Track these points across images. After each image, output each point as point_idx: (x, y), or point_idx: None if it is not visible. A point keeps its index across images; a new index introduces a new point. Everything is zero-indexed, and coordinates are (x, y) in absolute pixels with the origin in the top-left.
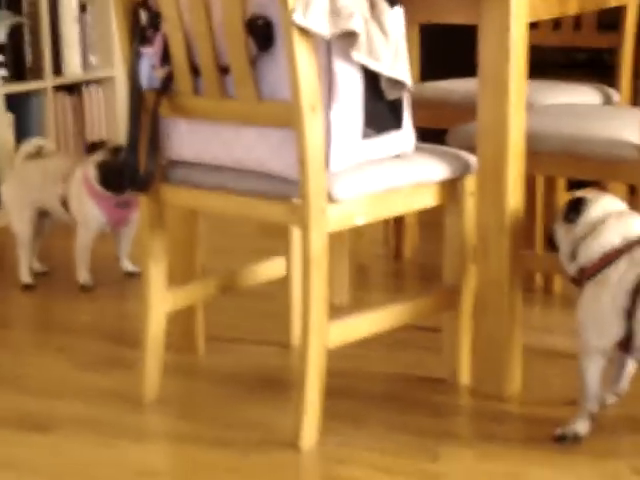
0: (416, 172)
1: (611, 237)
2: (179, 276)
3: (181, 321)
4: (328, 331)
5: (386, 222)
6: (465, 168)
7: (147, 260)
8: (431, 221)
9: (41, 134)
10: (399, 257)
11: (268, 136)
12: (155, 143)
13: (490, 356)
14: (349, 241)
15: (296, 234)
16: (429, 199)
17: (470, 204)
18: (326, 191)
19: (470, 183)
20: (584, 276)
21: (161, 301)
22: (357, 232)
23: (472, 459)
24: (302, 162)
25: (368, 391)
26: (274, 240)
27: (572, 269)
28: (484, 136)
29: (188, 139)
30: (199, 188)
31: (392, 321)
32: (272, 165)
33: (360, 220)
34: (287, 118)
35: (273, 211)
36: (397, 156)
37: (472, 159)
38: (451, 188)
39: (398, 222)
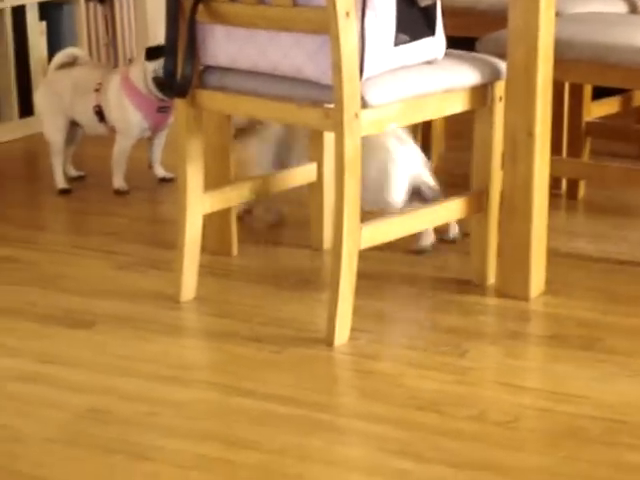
0: (447, 78)
1: None
2: (213, 181)
3: (215, 224)
4: (360, 233)
5: (413, 130)
6: (495, 74)
7: (184, 163)
8: (457, 131)
9: (73, 43)
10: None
11: (303, 42)
12: (192, 49)
13: (516, 258)
14: None
15: (328, 140)
16: (459, 104)
17: (499, 109)
18: (360, 96)
19: (500, 89)
20: None
21: (198, 203)
22: None
23: (498, 355)
24: (336, 67)
25: (397, 292)
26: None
27: None
28: (514, 42)
29: (224, 45)
30: (234, 93)
31: (422, 224)
32: (307, 70)
33: (393, 125)
34: (322, 24)
35: (307, 116)
36: (428, 62)
37: (502, 65)
38: (481, 94)
39: (425, 131)
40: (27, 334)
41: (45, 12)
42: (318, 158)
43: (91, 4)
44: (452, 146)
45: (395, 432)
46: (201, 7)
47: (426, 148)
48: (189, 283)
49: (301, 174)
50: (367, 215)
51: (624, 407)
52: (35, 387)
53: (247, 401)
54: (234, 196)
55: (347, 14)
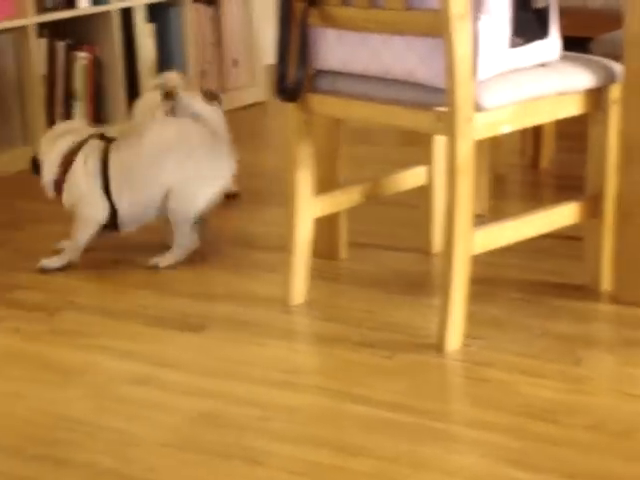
0: (562, 81)
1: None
2: (322, 184)
3: (324, 228)
4: (473, 238)
5: (523, 132)
6: (610, 77)
7: (294, 167)
8: (567, 131)
9: (180, 44)
10: (536, 167)
11: (416, 45)
12: (304, 52)
13: (632, 263)
14: (487, 150)
15: (438, 143)
16: (573, 108)
17: (614, 113)
18: (473, 99)
19: (615, 92)
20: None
21: (308, 207)
22: (495, 142)
23: (614, 363)
24: (450, 70)
25: (509, 297)
26: (413, 150)
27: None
28: (631, 44)
29: (336, 49)
30: (346, 97)
31: (535, 229)
32: (420, 73)
33: (506, 128)
34: (436, 27)
35: (419, 119)
36: (543, 64)
37: (617, 68)
38: (596, 97)
39: (536, 132)
40: (138, 337)
41: (153, 14)
42: (429, 161)
43: (199, 5)
44: (563, 147)
45: (510, 441)
46: (313, 11)
47: (536, 149)
48: (299, 287)
49: (411, 177)
50: (479, 219)
51: None
52: (147, 390)
53: (359, 407)
54: (344, 200)
55: (461, 16)
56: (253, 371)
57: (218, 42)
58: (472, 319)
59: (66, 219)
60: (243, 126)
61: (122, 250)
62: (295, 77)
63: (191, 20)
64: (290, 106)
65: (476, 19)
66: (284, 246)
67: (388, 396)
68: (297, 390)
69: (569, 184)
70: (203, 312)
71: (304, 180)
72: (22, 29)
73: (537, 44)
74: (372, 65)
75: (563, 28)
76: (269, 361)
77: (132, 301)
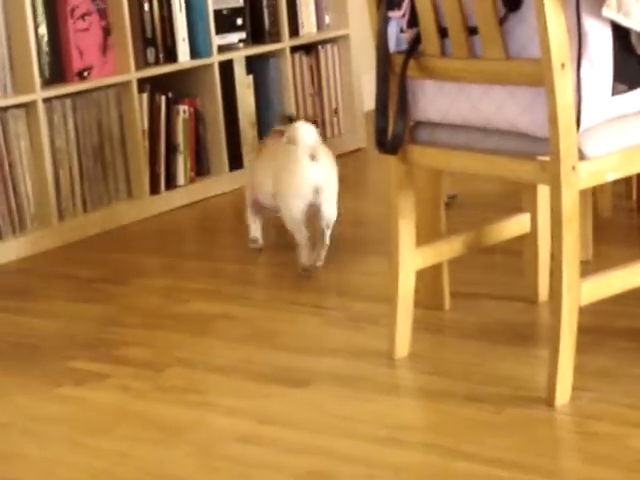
0: None
1: None
2: (425, 234)
3: (427, 278)
4: (580, 288)
5: (627, 178)
6: None
7: (396, 220)
8: None
9: (280, 95)
10: None
11: (517, 94)
12: (403, 105)
13: None
14: (591, 195)
15: (542, 191)
16: None
17: None
18: (577, 148)
19: None
20: None
21: (410, 259)
22: (599, 186)
23: None
24: (552, 119)
25: (618, 346)
26: (515, 197)
27: None
28: None
29: (435, 100)
30: (446, 148)
31: None
32: (521, 123)
33: (611, 176)
34: (536, 76)
35: (521, 169)
36: None
37: None
38: None
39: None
40: (244, 393)
41: (252, 65)
42: (532, 209)
43: (296, 55)
44: None
45: None
46: (412, 62)
47: None
48: (403, 339)
49: (515, 225)
50: (584, 266)
51: None
52: (253, 448)
53: (468, 465)
54: (446, 250)
55: (562, 65)
56: (359, 427)
57: (318, 91)
58: (581, 370)
59: (169, 272)
60: (344, 173)
61: (220, 302)
62: (395, 130)
63: (290, 70)
64: (391, 158)
65: (578, 67)
66: (386, 297)
67: (497, 453)
68: (403, 447)
69: None
70: (308, 366)
71: (406, 232)
72: (124, 84)
73: None
74: (472, 115)
75: None
76: (375, 417)
77: (235, 356)
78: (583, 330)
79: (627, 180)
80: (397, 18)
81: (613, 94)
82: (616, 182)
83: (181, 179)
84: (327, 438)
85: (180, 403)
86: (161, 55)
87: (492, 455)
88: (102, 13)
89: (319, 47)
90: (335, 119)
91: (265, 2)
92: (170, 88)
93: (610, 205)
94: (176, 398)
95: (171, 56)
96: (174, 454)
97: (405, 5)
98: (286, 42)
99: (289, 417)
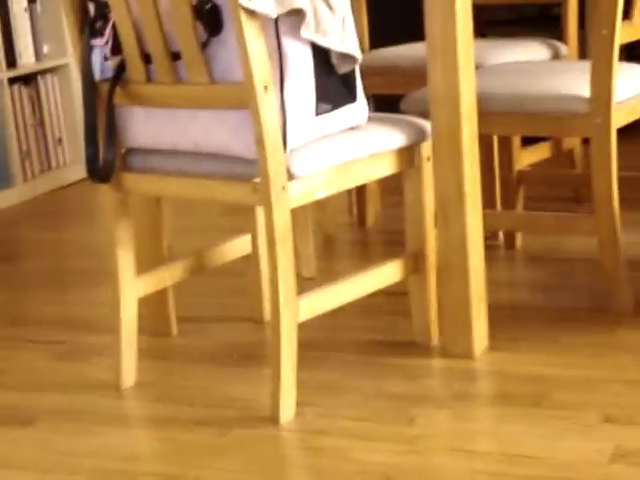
0: (372, 142)
1: None
2: (147, 261)
3: (152, 304)
4: (298, 306)
5: (349, 191)
6: (420, 135)
7: (114, 249)
8: (392, 186)
9: (1, 127)
10: (363, 224)
11: (225, 118)
12: (112, 132)
13: (457, 317)
14: (313, 211)
15: (260, 211)
16: (387, 168)
17: (427, 170)
18: (285, 169)
19: (426, 149)
20: None
21: (131, 288)
22: (320, 202)
23: (447, 419)
24: (259, 142)
25: (341, 360)
26: (237, 218)
27: None
28: (436, 102)
29: (145, 126)
30: (159, 174)
31: (359, 290)
32: (231, 147)
33: (321, 194)
34: (241, 99)
35: (234, 192)
36: (352, 128)
37: (427, 125)
38: (408, 155)
39: (360, 190)
40: None
41: None
42: (252, 230)
43: (15, 86)
44: (389, 202)
45: None
46: (118, 90)
47: (361, 207)
48: (129, 369)
49: (236, 246)
50: (309, 282)
51: (576, 465)
52: None
53: None
54: (168, 276)
55: (265, 88)
56: (86, 462)
57: (40, 122)
58: (305, 386)
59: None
60: (70, 204)
61: None
62: (105, 158)
63: (9, 102)
64: (104, 187)
65: (281, 89)
66: (111, 327)
67: (224, 475)
68: (131, 478)
69: (396, 239)
70: (32, 404)
71: (125, 260)
72: None
73: (345, 109)
74: (182, 140)
75: (375, 87)
76: (102, 450)
77: None
78: (308, 346)
79: (348, 195)
80: (100, 45)
81: (317, 114)
82: (338, 198)
83: None
84: (53, 476)
85: None
86: None
87: (218, 478)
88: None
89: (39, 77)
90: (60, 149)
91: None
92: None
93: (333, 221)
94: None
95: None
96: None
97: (108, 32)
98: (3, 73)
99: (13, 458)
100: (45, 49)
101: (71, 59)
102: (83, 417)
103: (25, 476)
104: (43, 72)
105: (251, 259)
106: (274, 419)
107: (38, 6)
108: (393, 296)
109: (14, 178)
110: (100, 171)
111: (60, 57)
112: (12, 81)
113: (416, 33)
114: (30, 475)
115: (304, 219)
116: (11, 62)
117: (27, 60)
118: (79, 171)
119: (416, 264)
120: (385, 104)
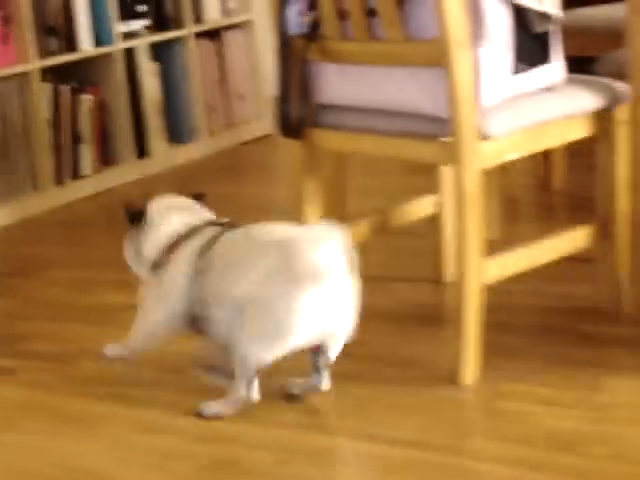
0: (567, 104)
1: (176, 226)
2: (331, 218)
3: None
4: (485, 268)
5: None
6: (616, 97)
7: (301, 203)
8: (578, 150)
9: (186, 82)
10: (547, 188)
11: (418, 76)
12: (305, 89)
13: None
14: (497, 173)
15: (446, 172)
16: (581, 131)
17: (623, 133)
18: (478, 128)
19: (622, 112)
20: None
21: None
22: (505, 164)
23: (636, 390)
24: (452, 100)
25: (525, 325)
26: (422, 178)
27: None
28: (636, 63)
29: (337, 83)
30: (349, 131)
31: (548, 254)
32: (423, 104)
33: (512, 156)
34: (436, 57)
35: (424, 151)
36: (547, 89)
37: (623, 88)
38: (603, 118)
39: (547, 152)
40: None
41: (156, 52)
42: (436, 190)
43: (201, 41)
44: (575, 165)
45: (531, 474)
46: (313, 46)
47: (547, 170)
48: None
49: (420, 206)
50: (491, 244)
51: None
52: None
53: (376, 447)
54: (353, 233)
55: (461, 45)
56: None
57: (223, 77)
58: (487, 349)
59: (75, 264)
60: (252, 160)
61: (128, 293)
62: (297, 114)
63: (195, 57)
64: (294, 142)
65: (477, 46)
66: None
67: (409, 435)
68: (320, 430)
69: (582, 204)
70: None
71: (311, 215)
72: (26, 75)
73: (541, 69)
74: (374, 98)
75: (568, 48)
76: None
77: None
78: (490, 309)
79: (533, 158)
80: (296, 1)
81: (513, 73)
82: (522, 160)
83: (86, 169)
84: None
85: (91, 396)
86: (63, 44)
87: (405, 437)
88: (1, 2)
89: (223, 32)
90: (241, 104)
91: None
92: (74, 77)
93: (517, 183)
94: (86, 391)
95: (73, 44)
96: (88, 447)
97: None
98: (190, 28)
99: None
100: (231, 4)
101: (256, 15)
102: None
103: None
104: (228, 27)
105: (434, 220)
106: (457, 381)
107: None
108: (578, 262)
109: (198, 132)
110: (293, 126)
111: (245, 12)
112: (198, 36)
113: None
114: None
115: (490, 179)
116: (197, 17)
117: (213, 15)
118: (261, 127)
119: (607, 230)
120: (578, 66)
